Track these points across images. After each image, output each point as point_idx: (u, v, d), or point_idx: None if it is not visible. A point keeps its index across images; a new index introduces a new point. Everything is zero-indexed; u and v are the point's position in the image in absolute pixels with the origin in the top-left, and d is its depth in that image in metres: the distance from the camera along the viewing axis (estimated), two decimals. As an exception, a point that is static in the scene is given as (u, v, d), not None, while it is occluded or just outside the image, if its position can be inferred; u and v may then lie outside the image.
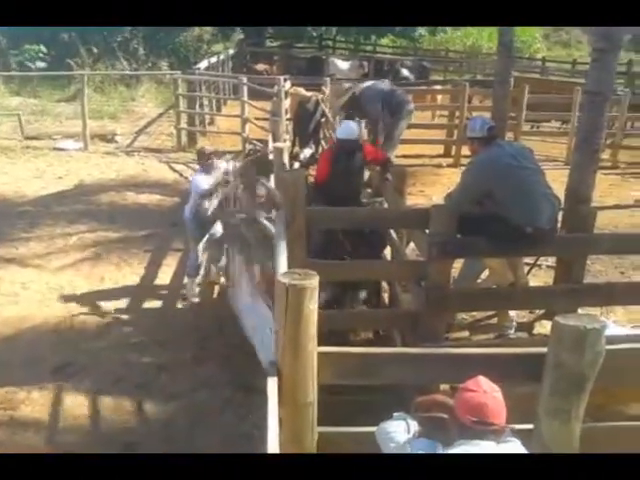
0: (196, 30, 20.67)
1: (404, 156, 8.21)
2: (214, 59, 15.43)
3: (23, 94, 14.81)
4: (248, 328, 4.51)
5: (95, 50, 17.41)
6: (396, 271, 4.16)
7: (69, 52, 16.96)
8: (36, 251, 6.49)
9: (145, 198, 8.32)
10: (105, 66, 17.02)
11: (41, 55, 17.33)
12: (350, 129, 5.08)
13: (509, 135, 8.72)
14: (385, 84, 7.41)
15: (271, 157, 6.03)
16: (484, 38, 24.37)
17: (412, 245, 4.68)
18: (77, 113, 12.09)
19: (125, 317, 5.31)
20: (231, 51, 19.11)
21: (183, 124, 11.73)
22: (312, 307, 2.13)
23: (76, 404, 4.14)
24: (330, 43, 23.97)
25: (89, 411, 4.10)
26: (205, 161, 5.50)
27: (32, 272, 6.00)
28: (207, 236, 5.54)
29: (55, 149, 11.01)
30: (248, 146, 8.58)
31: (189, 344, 4.86)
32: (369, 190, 5.59)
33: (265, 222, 4.35)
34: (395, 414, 2.22)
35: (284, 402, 2.14)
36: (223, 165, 5.49)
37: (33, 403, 4.13)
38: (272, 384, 2.14)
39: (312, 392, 2.21)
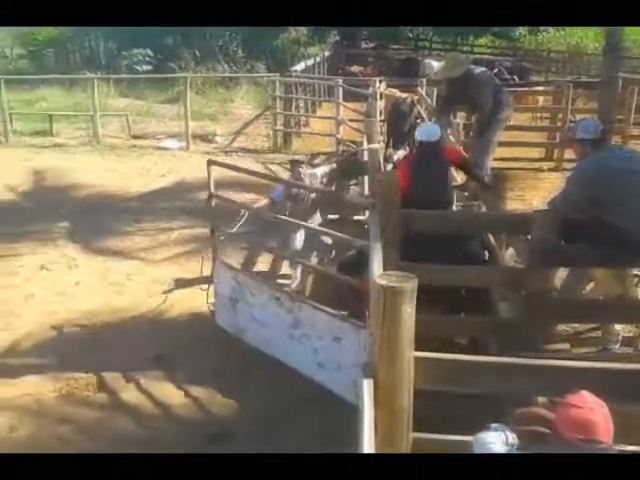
0: (293, 33, 21.05)
1: (502, 159, 7.94)
2: (310, 61, 15.65)
3: (130, 95, 15.66)
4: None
5: (197, 53, 18.14)
6: (494, 277, 4.04)
7: (173, 55, 17.80)
8: (140, 244, 6.84)
9: (241, 197, 8.54)
10: (206, 69, 17.67)
11: (147, 59, 18.28)
12: (432, 129, 4.66)
13: (616, 139, 8.25)
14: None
15: (365, 158, 6.04)
16: (589, 37, 23.16)
17: (511, 251, 4.53)
18: (179, 114, 12.66)
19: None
20: (327, 53, 19.30)
21: (279, 125, 11.98)
22: (410, 310, 2.10)
23: (171, 393, 4.30)
24: (426, 44, 23.69)
25: (182, 400, 4.25)
26: (295, 171, 5.66)
27: (137, 264, 6.32)
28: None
29: (158, 148, 11.58)
30: (341, 147, 8.60)
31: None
32: (465, 193, 5.47)
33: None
34: (493, 425, 2.15)
35: (379, 405, 2.12)
36: (311, 171, 5.63)
37: (131, 389, 4.34)
38: (367, 386, 2.13)
39: (408, 397, 2.19)
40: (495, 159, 6.65)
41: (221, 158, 11.03)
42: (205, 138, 12.31)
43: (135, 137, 12.44)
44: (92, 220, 7.57)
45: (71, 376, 4.39)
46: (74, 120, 13.36)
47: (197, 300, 5.38)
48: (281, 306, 4.53)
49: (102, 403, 4.22)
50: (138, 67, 17.86)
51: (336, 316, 4.23)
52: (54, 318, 5.21)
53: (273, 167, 10.34)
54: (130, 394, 4.29)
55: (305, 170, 5.68)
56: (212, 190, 5.03)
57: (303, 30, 20.60)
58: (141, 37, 18.05)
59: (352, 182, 7.09)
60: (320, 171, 6.05)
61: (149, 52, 18.34)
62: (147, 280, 5.98)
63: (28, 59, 21.00)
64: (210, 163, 5.13)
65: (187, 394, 4.29)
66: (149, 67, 18.09)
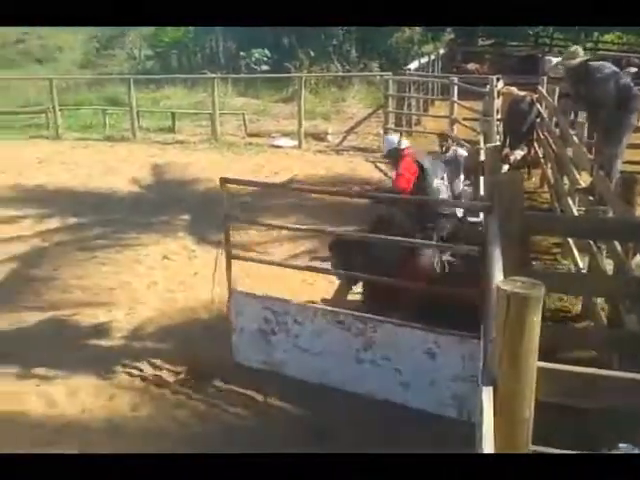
0: (407, 32, 20.86)
1: (631, 162, 7.42)
2: (424, 60, 15.44)
3: (248, 94, 16.22)
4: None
5: (312, 53, 18.46)
6: (620, 287, 3.78)
7: (289, 56, 18.22)
8: (254, 239, 7.06)
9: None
10: (320, 68, 17.93)
11: (265, 59, 18.85)
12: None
13: None
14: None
15: (482, 158, 5.82)
16: None
17: (638, 259, 4.23)
18: (293, 113, 12.95)
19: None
20: (441, 51, 18.95)
21: (390, 124, 11.92)
22: (535, 319, 2.01)
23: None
24: (547, 40, 22.63)
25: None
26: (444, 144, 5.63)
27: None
28: None
29: (272, 146, 11.91)
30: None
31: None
32: (591, 198, 5.17)
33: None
34: (621, 445, 2.02)
35: (499, 415, 2.05)
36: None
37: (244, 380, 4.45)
38: (487, 394, 2.06)
39: (529, 408, 2.10)
40: (625, 162, 6.21)
41: (332, 157, 11.21)
42: (317, 136, 12.50)
43: (251, 135, 12.87)
44: (210, 214, 7.89)
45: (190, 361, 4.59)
46: (195, 118, 14.06)
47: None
48: (347, 330, 4.17)
49: (217, 391, 4.37)
50: (256, 67, 18.46)
51: (431, 330, 3.95)
52: (174, 306, 5.49)
53: (383, 166, 10.30)
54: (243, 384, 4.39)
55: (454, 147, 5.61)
56: (227, 211, 4.70)
57: (417, 29, 20.35)
58: (259, 37, 18.66)
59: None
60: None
61: (266, 52, 18.90)
62: (260, 274, 6.15)
63: (154, 60, 22.31)
64: (224, 182, 4.56)
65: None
66: (266, 67, 18.65)
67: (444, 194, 4.86)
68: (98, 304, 5.50)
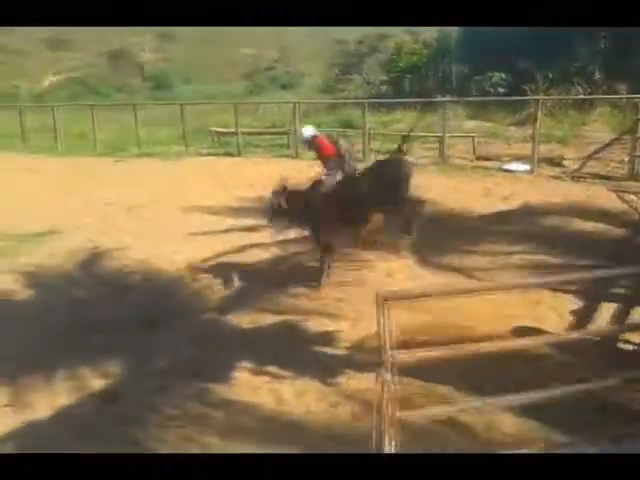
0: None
1: None
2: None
3: (479, 117, 15.96)
4: None
5: (550, 76, 17.55)
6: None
7: (525, 79, 17.55)
8: (479, 264, 6.88)
9: (590, 227, 7.94)
10: (557, 91, 16.96)
11: (501, 82, 18.44)
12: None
13: None
14: None
15: None
16: None
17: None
18: (526, 136, 12.41)
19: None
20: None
21: (639, 151, 10.79)
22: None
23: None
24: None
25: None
26: None
27: (474, 283, 6.36)
28: None
29: (502, 170, 11.53)
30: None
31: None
32: None
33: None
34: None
35: None
36: None
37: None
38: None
39: None
40: None
41: (567, 183, 10.49)
42: (552, 162, 11.80)
43: (480, 158, 12.63)
44: (434, 235, 7.91)
45: (410, 381, 4.60)
46: (424, 140, 14.22)
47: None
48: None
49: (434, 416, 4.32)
50: (491, 89, 18.15)
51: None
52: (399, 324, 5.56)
53: (628, 197, 9.35)
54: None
55: None
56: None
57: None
58: (495, 60, 18.32)
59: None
60: None
61: (502, 75, 18.48)
62: (484, 300, 5.96)
63: (387, 84, 23.14)
64: (383, 299, 3.27)
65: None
66: (502, 90, 18.26)
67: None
68: (325, 313, 5.81)
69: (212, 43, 61.82)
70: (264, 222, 8.78)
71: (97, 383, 4.72)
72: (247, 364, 4.91)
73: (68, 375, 4.84)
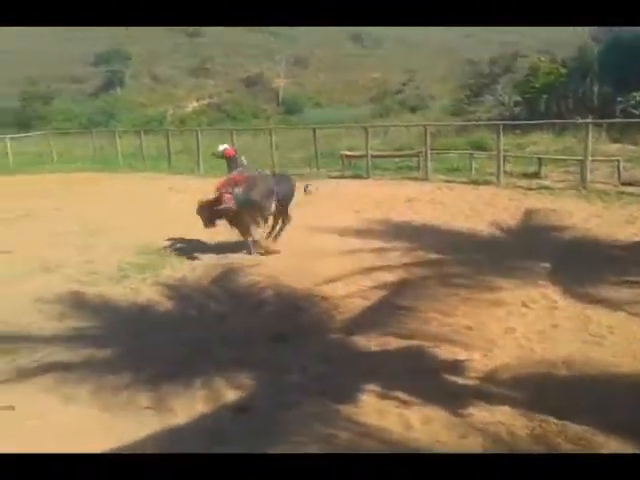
0: None
1: None
2: None
3: (623, 140, 14.94)
4: None
5: None
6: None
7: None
8: (625, 297, 6.37)
9: None
10: None
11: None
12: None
13: None
14: None
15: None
16: None
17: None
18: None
19: None
20: None
21: None
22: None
23: None
24: None
25: None
26: None
27: (620, 317, 5.90)
28: None
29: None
30: None
31: None
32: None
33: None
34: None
35: None
36: None
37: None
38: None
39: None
40: None
41: None
42: None
43: (625, 184, 11.78)
44: (574, 264, 7.46)
45: (544, 418, 4.35)
46: (562, 164, 13.53)
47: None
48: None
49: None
50: (635, 111, 16.93)
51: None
52: (531, 356, 5.29)
53: None
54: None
55: None
56: None
57: None
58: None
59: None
60: None
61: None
62: (630, 337, 5.51)
63: (522, 105, 22.34)
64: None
65: None
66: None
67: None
68: (455, 341, 5.64)
69: (342, 68, 63.35)
70: (391, 244, 8.80)
71: (230, 394, 4.89)
72: (374, 387, 4.87)
73: (204, 384, 5.07)
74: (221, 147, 10.05)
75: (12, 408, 4.80)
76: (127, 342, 5.96)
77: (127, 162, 20.27)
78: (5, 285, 8.00)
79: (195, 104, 55.63)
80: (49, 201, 14.82)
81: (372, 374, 5.07)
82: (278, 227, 9.27)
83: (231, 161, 9.68)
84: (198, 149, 18.85)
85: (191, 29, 64.66)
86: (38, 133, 27.25)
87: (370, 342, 5.72)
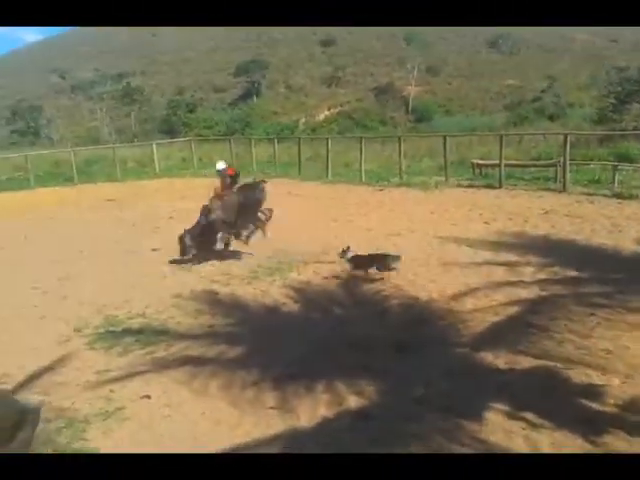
0: None
1: None
2: None
3: None
4: None
5: None
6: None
7: None
8: None
9: None
10: None
11: None
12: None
13: None
14: None
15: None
16: None
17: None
18: None
19: None
20: None
21: None
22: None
23: None
24: None
25: None
26: None
27: None
28: None
29: None
30: None
31: None
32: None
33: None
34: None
35: None
36: None
37: None
38: None
39: None
40: None
41: None
42: None
43: None
44: None
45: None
46: None
47: None
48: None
49: None
50: None
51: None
52: None
53: None
54: None
55: None
56: None
57: None
58: None
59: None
60: None
61: None
62: None
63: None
64: None
65: None
66: None
67: None
68: (592, 364, 5.26)
69: (476, 75, 61.78)
70: (524, 258, 8.41)
71: (352, 399, 4.91)
72: (501, 406, 4.66)
73: (326, 387, 5.13)
74: (220, 166, 10.31)
75: (148, 397, 5.16)
76: (255, 341, 6.19)
77: (260, 168, 21.11)
78: (149, 281, 8.64)
79: (327, 113, 56.90)
80: (193, 203, 15.79)
81: (499, 392, 4.86)
82: (249, 231, 10.10)
83: (231, 179, 10.27)
84: (327, 156, 19.22)
85: (324, 37, 66.11)
86: (182, 140, 29.15)
87: (498, 359, 5.49)
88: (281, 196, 13.95)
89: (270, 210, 10.37)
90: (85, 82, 68.26)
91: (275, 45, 63.18)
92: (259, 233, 10.28)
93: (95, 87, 66.60)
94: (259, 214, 10.21)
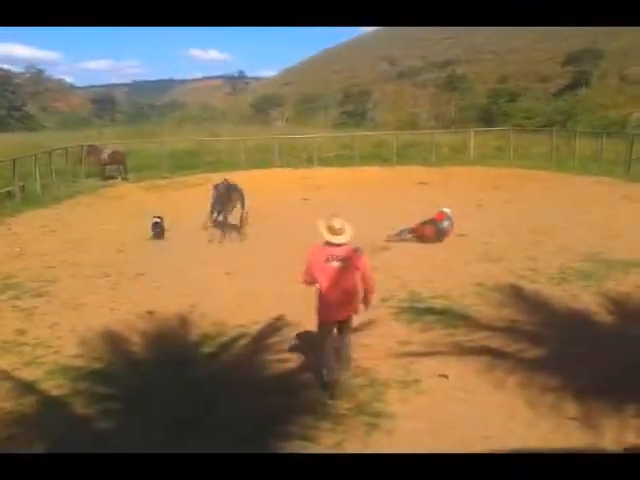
0: None
1: None
2: None
3: None
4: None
5: None
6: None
7: None
8: None
9: None
10: None
11: None
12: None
13: None
14: None
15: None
16: None
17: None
18: None
19: None
20: None
21: None
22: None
23: None
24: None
25: None
26: None
27: None
28: None
29: None
30: None
31: None
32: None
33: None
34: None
35: None
36: None
37: None
38: None
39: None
40: None
41: None
42: None
43: None
44: None
45: None
46: None
47: None
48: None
49: None
50: None
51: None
52: None
53: None
54: None
55: None
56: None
57: None
58: None
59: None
60: None
61: None
62: None
63: None
64: None
65: None
66: None
67: None
68: None
69: None
70: None
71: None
72: None
73: (638, 413, 4.62)
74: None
75: (446, 377, 5.31)
76: (559, 345, 5.86)
77: (581, 164, 19.56)
78: (453, 265, 8.83)
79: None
80: (501, 194, 15.54)
81: None
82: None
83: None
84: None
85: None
86: (500, 129, 28.62)
87: None
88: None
89: None
90: (412, 69, 71.40)
91: (614, 33, 57.22)
92: None
93: (421, 74, 69.25)
94: None
